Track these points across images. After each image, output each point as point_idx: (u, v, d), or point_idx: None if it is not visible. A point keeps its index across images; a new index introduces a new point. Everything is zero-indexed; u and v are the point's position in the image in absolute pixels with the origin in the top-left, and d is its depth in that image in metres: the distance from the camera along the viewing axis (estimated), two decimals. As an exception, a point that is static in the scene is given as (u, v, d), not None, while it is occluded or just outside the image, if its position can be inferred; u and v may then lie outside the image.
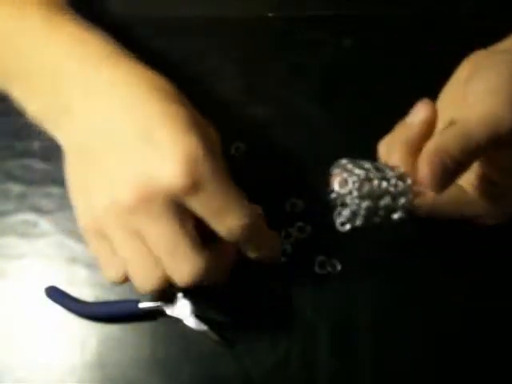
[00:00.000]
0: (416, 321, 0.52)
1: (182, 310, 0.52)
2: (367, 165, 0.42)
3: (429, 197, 0.44)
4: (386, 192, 0.41)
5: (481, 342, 0.52)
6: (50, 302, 0.53)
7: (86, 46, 0.46)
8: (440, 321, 0.52)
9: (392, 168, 0.42)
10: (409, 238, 0.54)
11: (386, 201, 0.42)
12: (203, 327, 0.51)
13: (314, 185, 0.54)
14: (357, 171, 0.41)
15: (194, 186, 0.40)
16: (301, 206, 0.55)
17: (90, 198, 0.44)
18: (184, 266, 0.43)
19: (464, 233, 0.53)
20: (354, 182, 0.41)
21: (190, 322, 0.52)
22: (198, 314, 0.52)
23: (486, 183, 0.44)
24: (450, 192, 0.44)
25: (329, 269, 0.53)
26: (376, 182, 0.41)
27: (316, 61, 0.59)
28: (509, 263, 0.53)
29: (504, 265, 0.54)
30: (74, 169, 0.45)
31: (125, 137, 0.42)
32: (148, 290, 0.45)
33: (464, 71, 0.45)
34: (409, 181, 0.42)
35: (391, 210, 0.42)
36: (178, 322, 0.52)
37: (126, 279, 0.46)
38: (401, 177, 0.42)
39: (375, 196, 0.41)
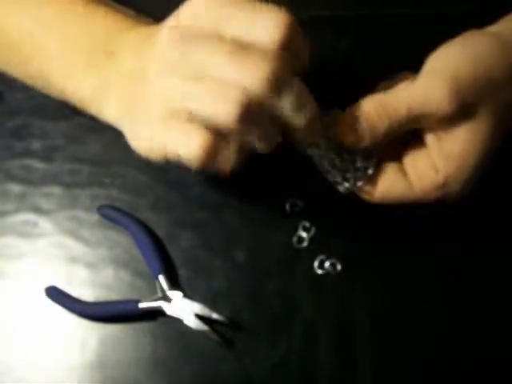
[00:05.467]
0: (416, 321, 0.52)
1: (182, 309, 0.52)
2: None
3: (376, 196, 0.46)
4: (338, 172, 0.46)
5: (481, 342, 0.52)
6: (50, 301, 0.53)
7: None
8: (440, 321, 0.52)
9: (363, 158, 0.46)
10: (409, 237, 0.54)
11: (333, 177, 0.47)
12: (203, 327, 0.51)
13: (313, 185, 0.54)
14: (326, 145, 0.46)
15: None
16: (301, 206, 0.55)
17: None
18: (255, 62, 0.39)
19: (463, 232, 0.53)
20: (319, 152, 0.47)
21: (190, 322, 0.52)
22: (198, 314, 0.52)
23: (430, 171, 0.44)
24: (397, 190, 0.45)
25: (329, 269, 0.54)
26: (332, 163, 0.46)
27: (316, 61, 0.58)
28: (508, 262, 0.54)
29: (503, 263, 0.54)
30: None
31: None
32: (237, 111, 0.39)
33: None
34: (370, 171, 0.46)
35: (337, 184, 0.47)
36: (178, 321, 0.52)
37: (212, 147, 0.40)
38: (363, 166, 0.46)
39: (325, 170, 0.47)
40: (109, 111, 0.46)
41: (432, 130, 0.44)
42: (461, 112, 0.42)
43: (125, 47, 0.46)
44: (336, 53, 0.59)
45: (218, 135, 0.40)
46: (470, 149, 0.43)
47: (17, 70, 0.51)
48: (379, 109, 0.43)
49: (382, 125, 0.43)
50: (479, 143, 0.43)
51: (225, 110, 0.38)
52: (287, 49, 0.39)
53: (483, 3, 0.57)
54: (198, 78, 0.39)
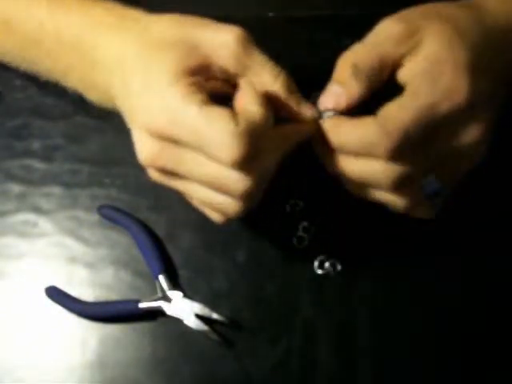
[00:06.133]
0: (416, 321, 0.52)
1: (181, 309, 0.52)
2: None
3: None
4: None
5: (481, 342, 0.52)
6: (50, 301, 0.53)
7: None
8: (440, 321, 0.52)
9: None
10: (409, 238, 0.54)
11: None
12: (203, 327, 0.51)
13: (313, 185, 0.54)
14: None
15: None
16: (301, 206, 0.55)
17: None
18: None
19: (463, 233, 0.53)
20: None
21: (190, 322, 0.52)
22: (198, 314, 0.52)
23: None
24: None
25: (329, 269, 0.53)
26: None
27: (316, 61, 0.58)
28: (508, 262, 0.54)
29: (503, 264, 0.54)
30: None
31: None
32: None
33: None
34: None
35: None
36: (178, 321, 0.52)
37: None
38: None
39: None
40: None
41: (399, 66, 0.45)
42: (410, 31, 0.44)
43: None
44: (337, 52, 0.58)
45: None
46: (436, 59, 0.43)
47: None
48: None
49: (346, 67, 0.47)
50: (445, 53, 0.43)
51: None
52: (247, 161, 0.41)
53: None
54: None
